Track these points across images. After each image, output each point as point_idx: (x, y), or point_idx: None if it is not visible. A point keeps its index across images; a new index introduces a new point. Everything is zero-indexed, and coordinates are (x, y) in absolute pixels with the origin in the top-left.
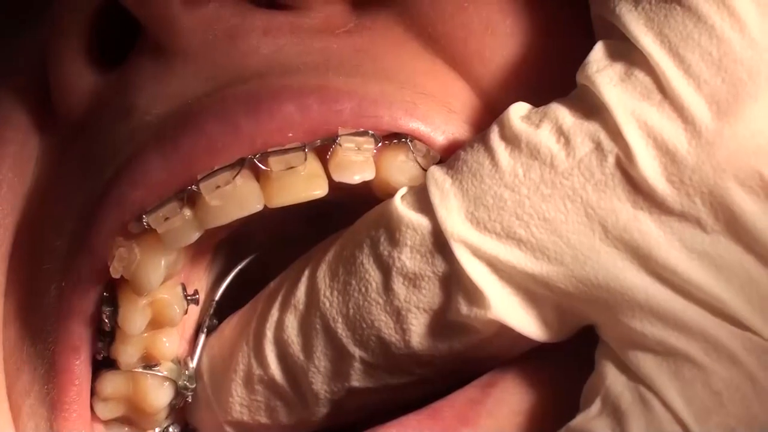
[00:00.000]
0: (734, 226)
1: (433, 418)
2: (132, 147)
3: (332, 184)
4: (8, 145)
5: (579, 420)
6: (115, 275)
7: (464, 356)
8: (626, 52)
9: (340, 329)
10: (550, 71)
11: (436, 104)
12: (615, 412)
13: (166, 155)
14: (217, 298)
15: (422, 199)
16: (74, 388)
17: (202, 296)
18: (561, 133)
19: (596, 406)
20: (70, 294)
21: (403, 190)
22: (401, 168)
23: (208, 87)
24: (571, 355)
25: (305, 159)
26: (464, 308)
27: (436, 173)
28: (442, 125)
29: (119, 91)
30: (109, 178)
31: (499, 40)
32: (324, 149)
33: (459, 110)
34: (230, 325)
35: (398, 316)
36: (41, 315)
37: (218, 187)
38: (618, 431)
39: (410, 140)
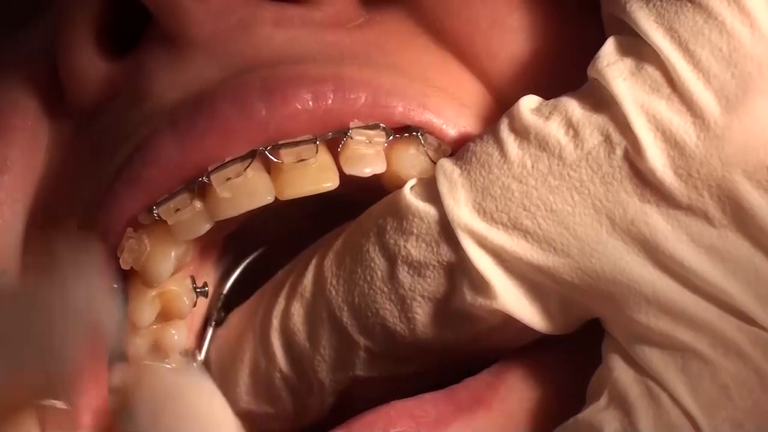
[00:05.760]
0: (742, 221)
1: (449, 397)
2: (146, 130)
3: (343, 177)
4: (17, 132)
5: (587, 412)
6: (125, 266)
7: (470, 347)
8: (637, 47)
9: (346, 317)
10: (560, 66)
11: (447, 98)
12: (623, 405)
13: (180, 137)
14: (225, 291)
15: (431, 190)
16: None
17: (210, 289)
18: (570, 125)
19: (604, 399)
20: None
21: (412, 181)
22: (412, 161)
23: (223, 75)
24: (581, 346)
25: (316, 151)
26: (469, 297)
27: (446, 164)
28: (454, 118)
29: (132, 77)
30: (123, 159)
31: (507, 35)
32: (335, 142)
33: (470, 104)
34: (237, 315)
35: (403, 305)
36: None
37: (229, 179)
38: (626, 424)
39: (421, 134)
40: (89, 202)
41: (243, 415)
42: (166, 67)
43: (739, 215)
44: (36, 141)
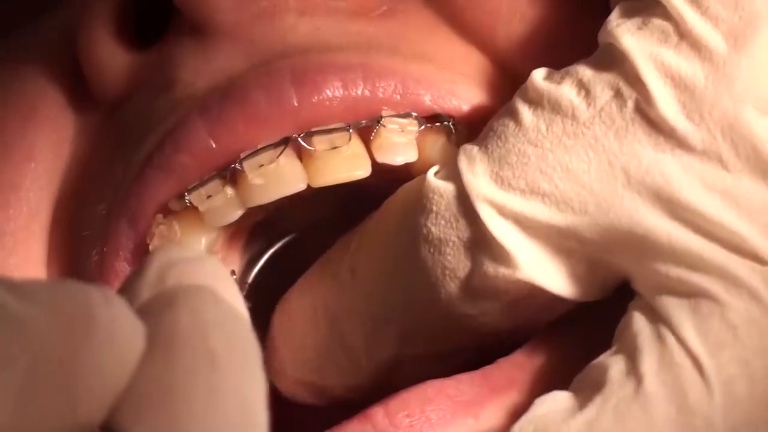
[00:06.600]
0: (756, 160)
1: (484, 378)
2: (175, 117)
3: (374, 165)
4: (43, 121)
5: (599, 358)
6: None
7: (499, 324)
8: (644, 7)
9: (379, 298)
10: (580, 54)
11: (474, 85)
12: (630, 349)
13: (211, 123)
14: (250, 280)
15: (452, 168)
16: None
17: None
18: (581, 85)
19: (616, 346)
20: (112, 260)
21: (435, 167)
22: (443, 150)
23: (250, 63)
24: (610, 325)
25: (350, 139)
26: (491, 270)
27: (467, 145)
28: (482, 106)
29: (159, 67)
30: (153, 146)
31: (529, 27)
32: (367, 130)
33: (495, 93)
34: (294, 292)
35: (427, 283)
36: (83, 280)
37: (261, 165)
38: (630, 365)
39: (452, 123)
40: (117, 190)
41: (301, 385)
42: (192, 56)
43: (752, 155)
44: (61, 130)
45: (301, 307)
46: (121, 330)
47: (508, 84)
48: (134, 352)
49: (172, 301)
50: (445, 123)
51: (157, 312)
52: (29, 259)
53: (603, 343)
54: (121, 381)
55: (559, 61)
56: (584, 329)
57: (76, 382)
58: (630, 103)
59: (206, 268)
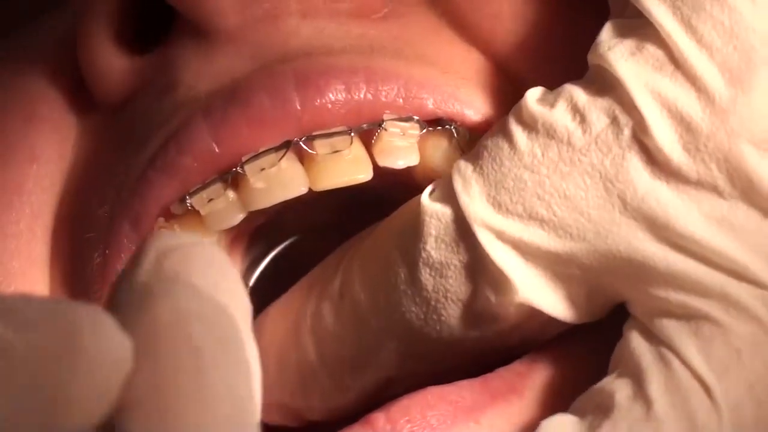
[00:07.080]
0: (750, 192)
1: (484, 385)
2: (178, 120)
3: (375, 169)
4: (45, 122)
5: (602, 381)
6: None
7: (497, 343)
8: (636, 27)
9: (373, 321)
10: (583, 56)
11: (477, 89)
12: (635, 372)
13: (213, 126)
14: (251, 283)
15: (448, 190)
16: None
17: None
18: (576, 110)
19: (618, 370)
20: (114, 262)
21: (430, 187)
22: (445, 154)
23: (254, 65)
24: (609, 338)
25: (351, 143)
26: (492, 297)
27: (461, 163)
28: (484, 110)
29: (161, 69)
30: (156, 148)
31: (530, 30)
32: (369, 134)
33: (497, 97)
34: (274, 309)
35: (428, 307)
36: (86, 282)
37: (263, 169)
38: (637, 389)
39: (454, 127)
40: (120, 192)
41: (275, 408)
42: (195, 58)
43: (747, 186)
44: (63, 131)
45: (282, 327)
46: (108, 352)
47: (510, 88)
48: (122, 369)
49: (152, 298)
50: (447, 127)
51: (142, 311)
52: (32, 261)
53: (601, 354)
54: (111, 396)
55: (561, 64)
56: (583, 340)
57: (61, 409)
58: (626, 131)
59: (204, 252)
